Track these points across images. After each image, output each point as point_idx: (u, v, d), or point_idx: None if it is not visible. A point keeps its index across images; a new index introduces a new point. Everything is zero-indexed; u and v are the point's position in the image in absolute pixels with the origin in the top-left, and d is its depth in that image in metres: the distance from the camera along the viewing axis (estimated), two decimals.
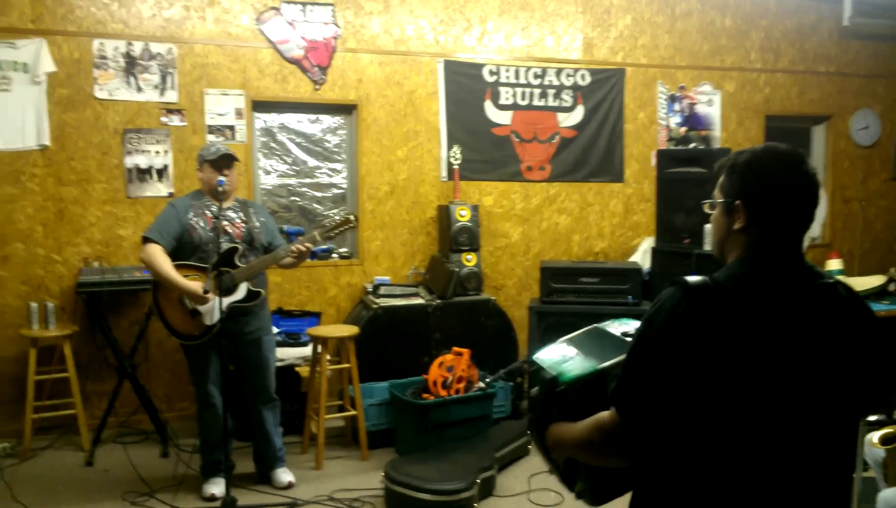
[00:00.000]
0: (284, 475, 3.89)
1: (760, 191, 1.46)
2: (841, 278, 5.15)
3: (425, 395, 4.33)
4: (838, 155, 6.39)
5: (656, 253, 5.13)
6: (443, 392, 4.31)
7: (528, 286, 5.59)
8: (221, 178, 3.56)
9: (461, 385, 4.39)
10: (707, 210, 1.59)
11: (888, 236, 6.34)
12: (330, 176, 5.36)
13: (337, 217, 3.75)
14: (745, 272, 1.44)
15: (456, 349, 4.49)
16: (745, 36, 6.05)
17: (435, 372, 4.39)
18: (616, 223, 5.87)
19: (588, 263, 5.37)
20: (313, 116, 5.28)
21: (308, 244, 3.66)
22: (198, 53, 4.83)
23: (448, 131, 5.41)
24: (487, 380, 4.49)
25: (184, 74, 4.80)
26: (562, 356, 1.71)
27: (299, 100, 5.08)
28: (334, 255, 5.21)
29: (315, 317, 4.96)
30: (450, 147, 5.32)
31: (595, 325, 1.84)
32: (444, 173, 5.40)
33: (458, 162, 5.25)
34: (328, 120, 5.32)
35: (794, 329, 1.40)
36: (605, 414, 1.45)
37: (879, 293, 5.06)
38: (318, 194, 5.34)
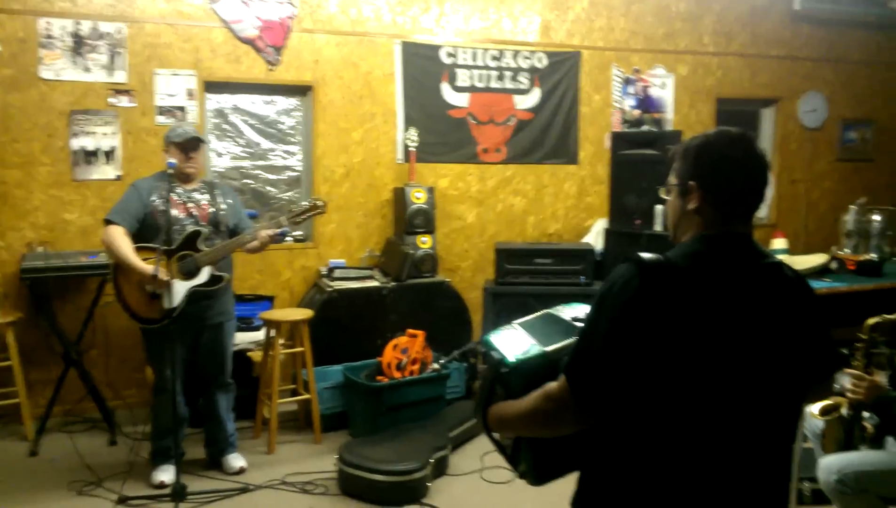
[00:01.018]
0: (236, 460, 3.86)
1: (713, 172, 1.52)
2: (785, 257, 5.28)
3: (380, 377, 4.34)
4: (786, 137, 6.52)
5: (609, 234, 5.20)
6: (397, 374, 4.32)
7: (484, 268, 5.62)
8: (171, 160, 3.50)
9: (416, 367, 4.41)
10: (663, 195, 1.65)
11: (830, 217, 6.49)
12: (284, 158, 5.30)
13: (305, 202, 3.71)
14: (698, 250, 1.49)
15: (410, 331, 4.51)
16: (699, 20, 6.12)
17: (389, 354, 4.40)
18: (570, 205, 5.92)
19: (542, 244, 5.41)
20: (268, 98, 5.21)
21: (275, 231, 3.62)
22: (148, 33, 4.71)
23: (405, 113, 5.38)
24: (442, 361, 4.51)
25: (133, 54, 4.69)
26: (511, 339, 1.74)
27: (253, 81, 5.00)
28: (289, 238, 5.17)
29: (268, 301, 4.93)
30: (406, 129, 5.30)
31: (547, 310, 1.87)
32: (400, 156, 5.38)
33: (415, 144, 5.23)
34: (283, 101, 5.25)
35: (743, 306, 1.45)
36: (553, 384, 1.48)
37: (821, 272, 5.21)
38: (272, 177, 5.29)
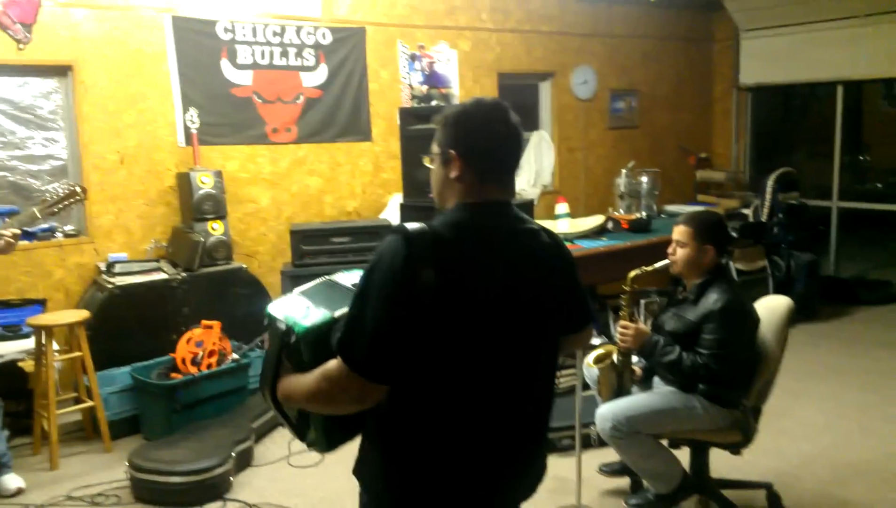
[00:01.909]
0: (12, 481, 3.50)
1: (470, 140, 1.56)
2: (567, 220, 5.62)
3: (174, 375, 4.11)
4: (562, 108, 6.98)
5: (404, 208, 5.25)
6: (193, 369, 4.12)
7: (283, 252, 5.48)
8: None
9: (213, 360, 4.22)
10: (428, 164, 1.67)
11: (606, 181, 7.07)
12: (45, 147, 4.78)
13: (60, 190, 3.36)
14: (460, 218, 1.53)
15: (205, 322, 4.30)
16: None
17: (183, 349, 4.18)
18: (367, 182, 5.93)
19: (338, 223, 5.38)
20: (20, 80, 4.66)
21: (13, 230, 3.23)
22: None
23: (182, 93, 5.06)
24: (242, 351, 4.36)
25: None
26: (295, 308, 1.69)
27: (1, 62, 4.45)
28: (58, 233, 4.70)
29: (39, 305, 4.45)
30: (185, 110, 4.99)
31: (326, 277, 1.84)
32: (181, 139, 5.06)
33: (196, 126, 4.94)
34: (39, 84, 4.72)
35: (504, 269, 1.52)
36: (331, 363, 1.47)
37: (600, 232, 5.66)
38: (34, 168, 4.76)
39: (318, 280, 1.85)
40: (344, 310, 1.58)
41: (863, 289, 6.77)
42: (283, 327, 1.61)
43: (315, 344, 1.55)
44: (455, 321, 1.44)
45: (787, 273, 6.15)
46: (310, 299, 1.74)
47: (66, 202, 3.38)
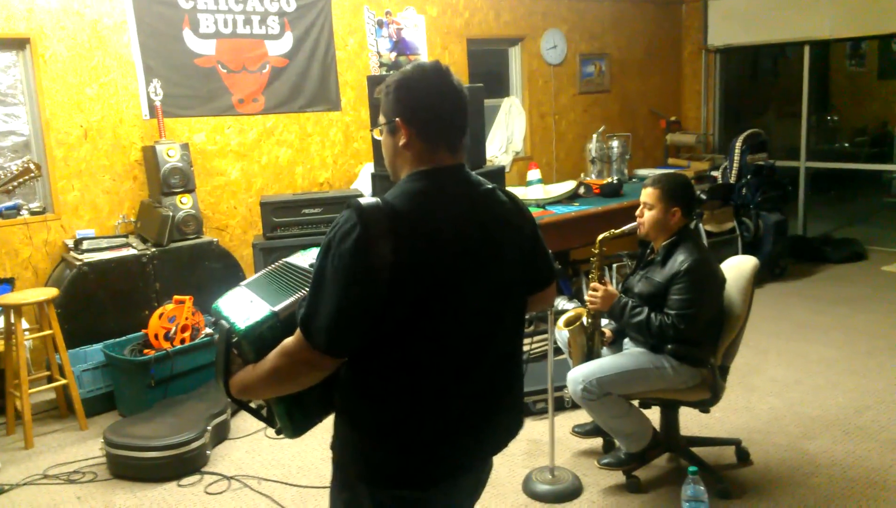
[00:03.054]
0: None
1: (414, 106, 1.53)
2: (539, 186, 5.63)
3: (147, 351, 4.09)
4: (533, 74, 6.94)
5: (375, 178, 5.23)
6: (166, 345, 4.10)
7: (255, 224, 5.44)
8: None
9: (186, 335, 4.20)
10: (376, 136, 1.64)
11: (578, 146, 7.09)
12: (6, 122, 4.67)
13: (14, 167, 3.29)
14: (414, 187, 1.51)
15: (177, 297, 4.27)
16: None
17: (155, 325, 4.15)
18: (338, 152, 5.88)
19: (309, 194, 5.33)
20: None
21: None
22: None
23: (145, 65, 4.96)
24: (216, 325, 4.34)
25: None
26: (239, 303, 1.67)
27: None
28: (24, 211, 4.62)
29: (7, 284, 4.39)
30: (148, 82, 4.90)
31: (284, 259, 1.82)
32: (145, 111, 4.97)
33: (160, 98, 4.85)
34: None
35: (465, 234, 1.51)
36: (290, 340, 1.48)
37: (572, 197, 5.69)
38: None
39: (272, 266, 1.83)
40: (287, 301, 1.58)
41: (829, 248, 6.89)
42: (226, 325, 1.61)
43: (257, 342, 1.54)
44: (416, 292, 1.44)
45: (756, 234, 6.24)
46: (256, 290, 1.73)
47: (20, 180, 3.31)
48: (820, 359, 4.50)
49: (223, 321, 1.63)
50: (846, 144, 9.05)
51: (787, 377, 4.25)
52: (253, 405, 1.76)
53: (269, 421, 1.71)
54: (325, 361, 1.45)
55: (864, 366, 4.34)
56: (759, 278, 3.08)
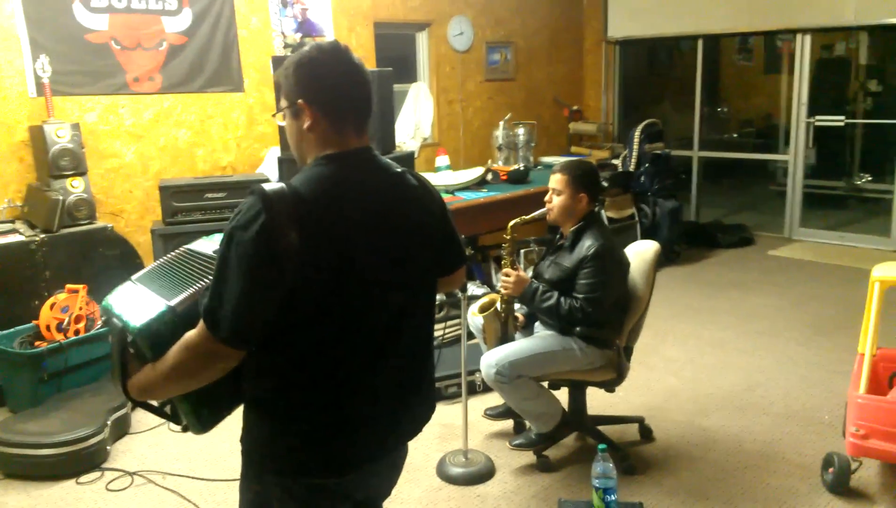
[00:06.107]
0: None
1: (316, 87, 1.49)
2: (447, 172, 5.67)
3: (39, 343, 3.86)
4: (440, 60, 6.95)
5: (282, 162, 5.12)
6: (59, 336, 3.88)
7: (152, 209, 5.20)
8: None
9: (81, 326, 3.99)
10: (279, 121, 1.58)
11: (484, 133, 7.16)
12: None
13: None
14: (321, 172, 1.47)
15: (70, 286, 4.05)
16: None
17: (47, 315, 3.92)
18: (241, 135, 5.70)
19: (212, 178, 5.15)
20: None
21: None
22: None
23: (31, 39, 4.63)
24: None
25: None
26: (132, 299, 1.58)
27: None
28: None
29: None
30: (35, 58, 4.58)
31: (186, 246, 1.73)
32: (31, 89, 4.66)
33: (48, 75, 4.55)
34: None
35: (374, 219, 1.49)
36: (192, 333, 1.42)
37: (480, 183, 5.75)
38: None
39: (173, 253, 1.74)
40: (183, 295, 1.52)
41: (720, 233, 7.28)
42: (119, 324, 1.53)
43: (154, 338, 1.47)
44: (324, 278, 1.41)
45: (653, 220, 6.51)
46: (148, 284, 1.64)
47: None
48: (711, 340, 4.75)
49: (115, 320, 1.54)
50: (735, 135, 9.56)
51: (683, 357, 4.47)
52: (155, 402, 1.67)
53: (174, 419, 1.64)
54: (230, 352, 1.40)
55: (753, 345, 4.62)
56: (658, 263, 3.22)
